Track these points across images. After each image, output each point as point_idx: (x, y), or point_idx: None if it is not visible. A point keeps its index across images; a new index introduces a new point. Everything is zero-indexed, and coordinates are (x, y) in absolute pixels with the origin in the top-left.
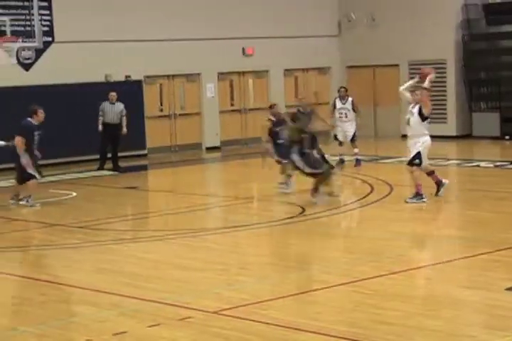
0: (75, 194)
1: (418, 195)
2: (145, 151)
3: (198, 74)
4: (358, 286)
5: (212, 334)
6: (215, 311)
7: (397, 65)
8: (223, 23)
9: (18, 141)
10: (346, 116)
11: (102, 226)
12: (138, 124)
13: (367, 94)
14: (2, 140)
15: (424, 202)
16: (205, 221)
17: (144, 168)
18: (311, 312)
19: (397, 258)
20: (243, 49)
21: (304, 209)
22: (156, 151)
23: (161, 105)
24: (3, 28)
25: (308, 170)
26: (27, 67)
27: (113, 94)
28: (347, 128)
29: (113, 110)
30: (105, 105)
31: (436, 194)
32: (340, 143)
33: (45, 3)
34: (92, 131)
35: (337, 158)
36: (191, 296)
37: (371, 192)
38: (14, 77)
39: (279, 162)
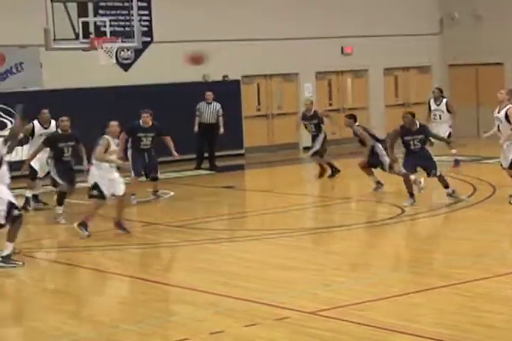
0: (172, 193)
1: None
2: (242, 151)
3: (296, 73)
4: (460, 288)
5: (308, 334)
6: (312, 311)
7: (501, 64)
8: (322, 22)
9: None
10: (440, 118)
11: (200, 225)
12: (235, 124)
13: (469, 93)
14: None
15: None
16: (301, 221)
17: (241, 167)
18: (411, 314)
19: (501, 260)
20: (342, 48)
21: (403, 210)
22: (253, 151)
23: (259, 105)
24: (103, 29)
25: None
26: (126, 67)
27: (209, 94)
28: (441, 129)
29: (209, 110)
30: (201, 105)
31: None
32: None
33: (144, 4)
34: (189, 131)
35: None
36: (288, 296)
37: (474, 192)
38: (113, 77)
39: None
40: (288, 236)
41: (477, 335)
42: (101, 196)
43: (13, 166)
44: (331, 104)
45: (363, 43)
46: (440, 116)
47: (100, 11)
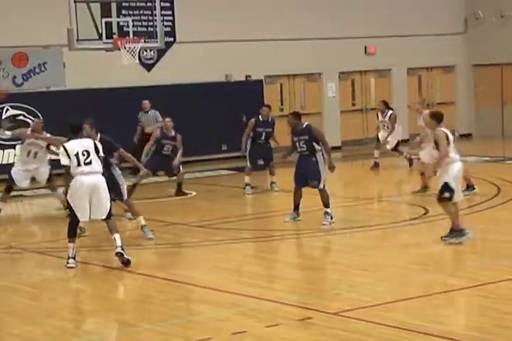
0: (194, 193)
1: None
2: None
3: (319, 73)
4: (485, 290)
5: (332, 335)
6: (336, 312)
7: None
8: (345, 21)
9: None
10: (388, 128)
11: (222, 225)
12: None
13: (494, 93)
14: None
15: None
16: None
17: (265, 167)
18: (436, 315)
19: None
20: (365, 48)
21: (427, 210)
22: (274, 151)
23: (282, 105)
24: (126, 29)
25: None
26: (148, 67)
27: (146, 103)
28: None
29: (148, 118)
30: (140, 114)
31: None
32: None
33: (167, 4)
34: (211, 131)
35: None
36: (311, 296)
37: (498, 193)
38: (136, 77)
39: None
40: (311, 236)
41: (501, 337)
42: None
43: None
44: (354, 104)
45: (386, 43)
46: (387, 126)
47: (123, 11)
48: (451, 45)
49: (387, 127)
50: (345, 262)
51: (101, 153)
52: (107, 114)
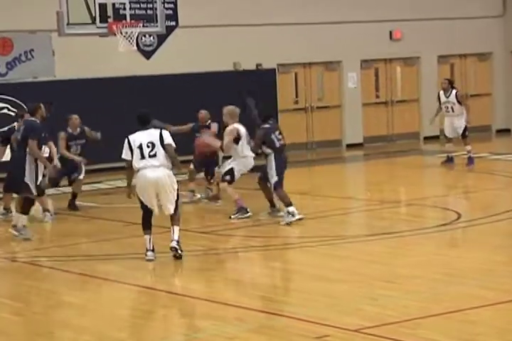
0: (199, 195)
1: None
2: None
3: (339, 62)
4: None
5: None
6: (357, 329)
7: None
8: (367, 3)
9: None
10: (453, 110)
11: (229, 232)
12: None
13: None
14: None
15: None
16: (345, 227)
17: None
18: (468, 333)
19: None
20: (390, 33)
21: (459, 215)
22: (290, 148)
23: (296, 97)
24: (122, 12)
25: None
26: (148, 54)
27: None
28: (456, 123)
29: None
30: None
31: None
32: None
33: None
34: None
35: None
36: (329, 311)
37: None
38: (134, 65)
39: None
40: (330, 244)
41: None
42: None
43: None
44: (377, 96)
45: (414, 27)
46: (452, 108)
47: None
48: (487, 30)
49: (452, 109)
50: (368, 273)
51: (167, 142)
52: (102, 106)
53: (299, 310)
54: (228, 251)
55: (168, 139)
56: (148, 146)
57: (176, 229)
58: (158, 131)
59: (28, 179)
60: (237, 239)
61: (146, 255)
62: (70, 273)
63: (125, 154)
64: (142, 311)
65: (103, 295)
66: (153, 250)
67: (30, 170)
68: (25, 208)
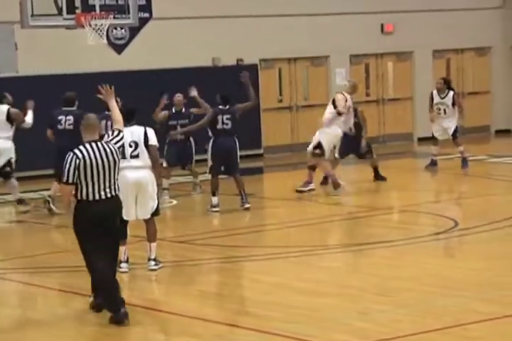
0: (175, 202)
1: None
2: (261, 151)
3: (326, 56)
4: None
5: None
6: None
7: None
8: None
9: None
10: (445, 113)
11: (209, 241)
12: (252, 118)
13: None
14: None
15: None
16: (334, 236)
17: (260, 170)
18: None
19: None
20: (382, 25)
21: (456, 223)
22: (273, 151)
23: (280, 95)
24: (91, 2)
25: None
26: (119, 48)
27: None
28: (445, 125)
29: None
30: None
31: None
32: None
33: None
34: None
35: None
36: (316, 327)
37: None
38: (104, 61)
39: None
40: (316, 254)
41: None
42: None
43: None
44: (368, 94)
45: (407, 20)
46: (445, 110)
47: None
48: (486, 22)
49: (445, 111)
50: (357, 285)
51: (151, 143)
52: None
53: (283, 326)
54: (207, 261)
55: (152, 139)
56: (130, 146)
57: (153, 246)
58: (143, 128)
59: None
60: (216, 249)
61: (119, 267)
62: (37, 287)
63: None
64: (115, 327)
65: (65, 309)
66: (127, 261)
67: None
68: None
